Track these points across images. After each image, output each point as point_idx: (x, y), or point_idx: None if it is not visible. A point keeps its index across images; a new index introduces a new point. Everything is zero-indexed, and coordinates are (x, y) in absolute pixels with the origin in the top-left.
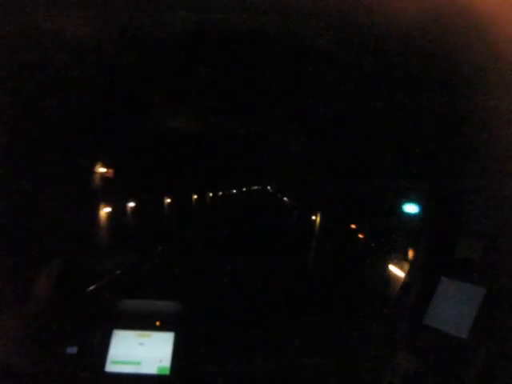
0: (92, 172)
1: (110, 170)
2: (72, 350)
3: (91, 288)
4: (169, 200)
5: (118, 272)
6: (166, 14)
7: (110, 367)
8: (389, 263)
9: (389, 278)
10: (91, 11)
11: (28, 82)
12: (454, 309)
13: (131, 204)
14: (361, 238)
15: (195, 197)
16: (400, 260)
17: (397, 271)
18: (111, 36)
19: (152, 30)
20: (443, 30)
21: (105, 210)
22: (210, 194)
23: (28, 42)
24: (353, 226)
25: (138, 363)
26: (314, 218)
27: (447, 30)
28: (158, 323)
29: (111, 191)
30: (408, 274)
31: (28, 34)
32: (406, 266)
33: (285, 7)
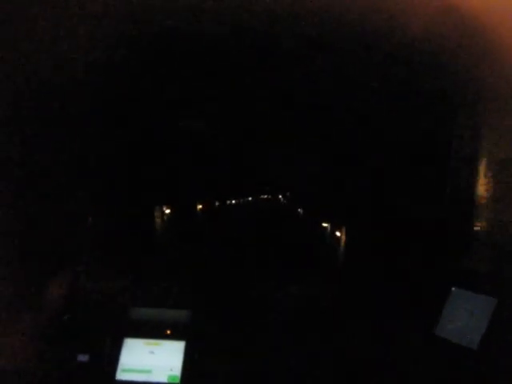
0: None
1: None
2: (83, 357)
3: None
4: (168, 211)
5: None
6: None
7: (121, 375)
8: None
9: None
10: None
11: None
12: (465, 320)
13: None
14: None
15: (200, 206)
16: None
17: None
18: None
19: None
20: (442, 36)
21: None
22: (217, 203)
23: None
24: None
25: (149, 371)
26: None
27: (447, 36)
28: (168, 332)
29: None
30: None
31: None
32: None
33: (285, 7)
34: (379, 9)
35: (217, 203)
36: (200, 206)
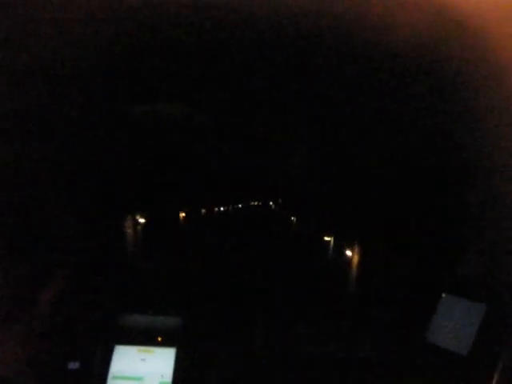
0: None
1: None
2: (74, 365)
3: None
4: (143, 220)
5: None
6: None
7: (112, 383)
8: None
9: None
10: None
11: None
12: (456, 326)
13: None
14: None
15: (183, 215)
16: None
17: None
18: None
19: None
20: (439, 41)
21: None
22: (203, 211)
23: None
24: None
25: (140, 379)
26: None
27: (443, 41)
28: (159, 339)
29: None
30: None
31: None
32: None
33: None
34: (375, 11)
35: (203, 211)
36: (183, 215)
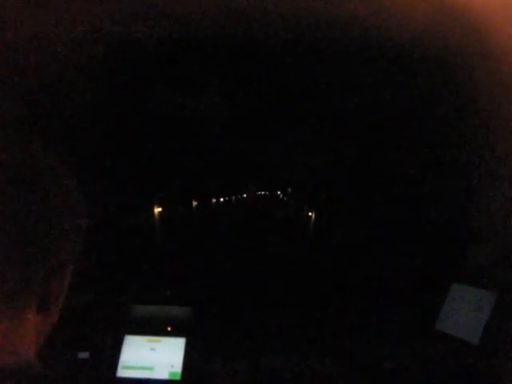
0: None
1: None
2: (84, 354)
3: None
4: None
5: None
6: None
7: (122, 372)
8: None
9: None
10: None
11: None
12: (466, 315)
13: None
14: None
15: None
16: None
17: None
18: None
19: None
20: (442, 34)
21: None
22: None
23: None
24: None
25: (150, 368)
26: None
27: (446, 34)
28: (169, 328)
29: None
30: None
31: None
32: None
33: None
34: (376, 8)
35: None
36: (195, 203)
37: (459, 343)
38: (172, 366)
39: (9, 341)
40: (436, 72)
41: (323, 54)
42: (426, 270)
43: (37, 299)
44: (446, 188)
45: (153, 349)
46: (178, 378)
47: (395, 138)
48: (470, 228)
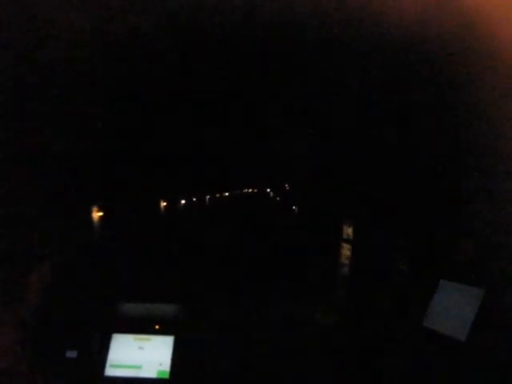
0: None
1: None
2: (72, 353)
3: None
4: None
5: None
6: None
7: (110, 371)
8: None
9: None
10: None
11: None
12: (453, 311)
13: None
14: None
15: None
16: None
17: None
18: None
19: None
20: (440, 31)
21: None
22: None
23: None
24: None
25: (138, 367)
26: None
27: (444, 30)
28: (157, 327)
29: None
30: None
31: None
32: None
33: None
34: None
35: (182, 201)
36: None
37: (446, 339)
38: (160, 365)
39: None
40: (435, 71)
41: (313, 49)
42: (414, 266)
43: (22, 300)
44: (433, 184)
45: (141, 347)
46: (167, 376)
47: (385, 135)
48: (458, 223)
